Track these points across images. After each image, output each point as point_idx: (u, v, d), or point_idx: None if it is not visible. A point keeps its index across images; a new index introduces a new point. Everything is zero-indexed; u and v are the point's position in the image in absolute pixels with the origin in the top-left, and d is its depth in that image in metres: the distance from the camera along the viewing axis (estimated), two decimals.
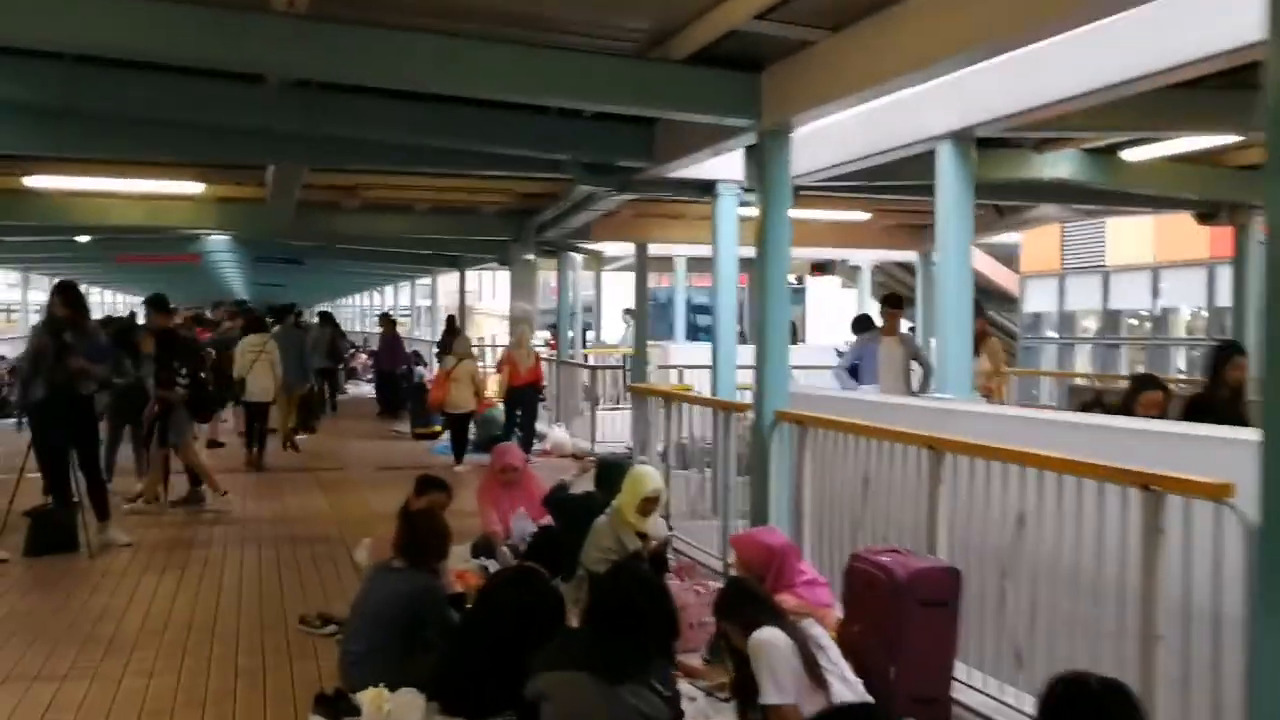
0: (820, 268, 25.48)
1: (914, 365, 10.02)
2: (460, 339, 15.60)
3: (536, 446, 14.95)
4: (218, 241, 23.65)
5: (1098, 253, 21.29)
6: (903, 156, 8.60)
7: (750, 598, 4.71)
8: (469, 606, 5.78)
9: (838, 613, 5.83)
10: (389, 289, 38.01)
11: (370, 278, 35.20)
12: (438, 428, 17.81)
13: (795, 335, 27.23)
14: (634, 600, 4.35)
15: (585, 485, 8.12)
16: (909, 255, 18.80)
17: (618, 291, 33.82)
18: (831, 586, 5.84)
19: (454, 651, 5.29)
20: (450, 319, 21.33)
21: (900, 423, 6.36)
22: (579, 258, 18.68)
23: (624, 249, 18.81)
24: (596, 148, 9.45)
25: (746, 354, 19.25)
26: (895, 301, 10.82)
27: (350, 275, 33.40)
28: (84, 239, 21.29)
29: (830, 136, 8.73)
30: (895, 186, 10.87)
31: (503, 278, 29.55)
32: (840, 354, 11.12)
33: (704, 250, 21.05)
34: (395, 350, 22.22)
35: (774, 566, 5.63)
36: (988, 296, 24.90)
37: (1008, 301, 24.58)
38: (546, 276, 25.47)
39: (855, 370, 10.20)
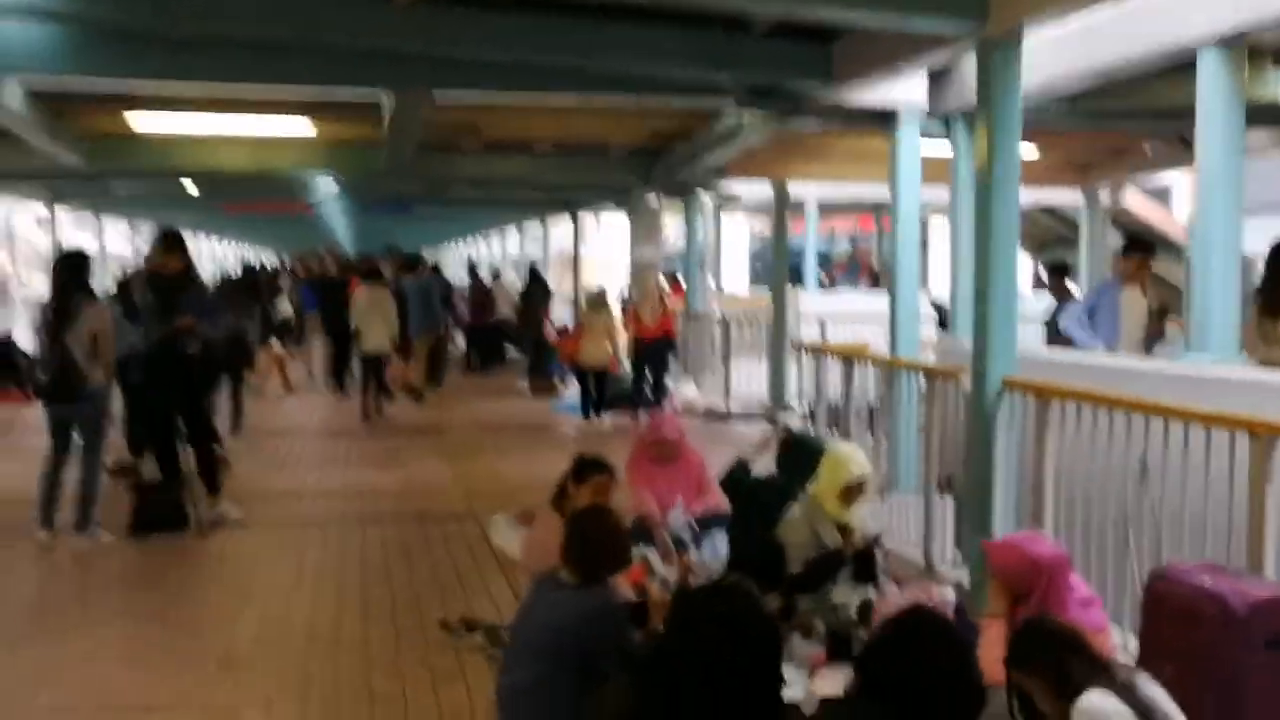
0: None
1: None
2: (597, 291, 14.52)
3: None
4: (326, 189, 22.93)
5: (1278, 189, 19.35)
6: (1132, 74, 7.20)
7: (1064, 643, 3.49)
8: (656, 628, 4.68)
9: (1114, 639, 4.60)
10: (495, 237, 37.10)
11: (478, 224, 34.25)
12: (558, 383, 16.85)
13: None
14: (929, 669, 3.17)
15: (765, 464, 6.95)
16: (1065, 196, 17.19)
17: (735, 237, 32.50)
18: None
19: (643, 690, 4.19)
20: (532, 267, 20.25)
21: (1173, 395, 5.08)
22: (708, 200, 17.37)
23: (745, 189, 17.45)
24: (765, 68, 8.15)
25: (863, 302, 17.99)
26: (1146, 246, 8.97)
27: (457, 222, 32.47)
28: (193, 189, 20.67)
29: (1039, 51, 7.33)
30: (1117, 112, 9.38)
31: (609, 223, 28.32)
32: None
33: (842, 192, 19.82)
34: (486, 303, 21.22)
35: (1042, 584, 4.39)
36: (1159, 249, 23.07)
37: (1169, 247, 22.69)
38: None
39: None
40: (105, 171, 14.60)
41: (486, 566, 7.04)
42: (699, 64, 7.98)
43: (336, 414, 14.59)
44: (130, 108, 11.73)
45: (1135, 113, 10.55)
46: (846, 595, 5.66)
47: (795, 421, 13.80)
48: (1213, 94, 6.16)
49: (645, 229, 18.06)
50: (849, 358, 8.47)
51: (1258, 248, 7.74)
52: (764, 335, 15.99)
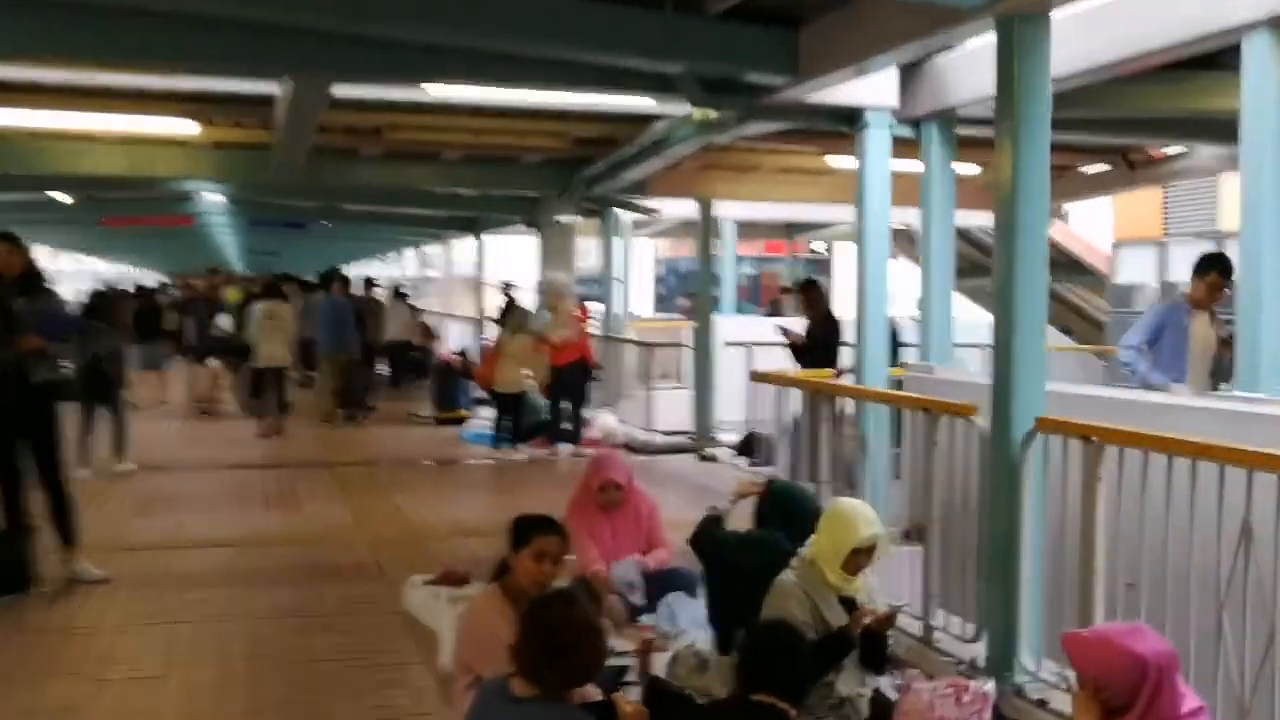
0: None
1: None
2: (517, 310, 13.34)
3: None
4: (213, 202, 21.40)
5: (1208, 216, 19.03)
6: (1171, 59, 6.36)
7: None
8: None
9: None
10: (393, 259, 35.60)
11: (374, 245, 32.75)
12: (464, 411, 15.62)
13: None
14: None
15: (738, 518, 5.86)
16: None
17: (639, 259, 31.42)
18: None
19: None
20: (507, 288, 19.06)
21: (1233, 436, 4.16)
22: (626, 219, 16.33)
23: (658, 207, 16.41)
24: (722, 56, 7.13)
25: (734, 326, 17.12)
26: (1225, 266, 6.91)
27: (353, 242, 30.95)
28: (66, 199, 19.02)
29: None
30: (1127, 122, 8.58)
31: (507, 246, 27.14)
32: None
33: (756, 213, 18.94)
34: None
35: (1147, 690, 3.38)
36: (1057, 267, 22.68)
37: (1081, 273, 22.28)
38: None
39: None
40: None
41: (402, 644, 5.84)
42: (651, 50, 6.93)
43: (222, 441, 13.20)
44: None
45: (1094, 122, 9.84)
46: (853, 686, 4.63)
47: (724, 454, 12.84)
48: (1261, 79, 5.30)
49: (558, 248, 16.96)
50: (818, 390, 7.47)
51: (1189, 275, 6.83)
52: (680, 361, 15.06)
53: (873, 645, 4.64)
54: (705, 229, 13.88)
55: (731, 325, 15.54)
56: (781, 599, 4.69)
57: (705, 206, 13.83)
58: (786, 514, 5.19)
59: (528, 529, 4.28)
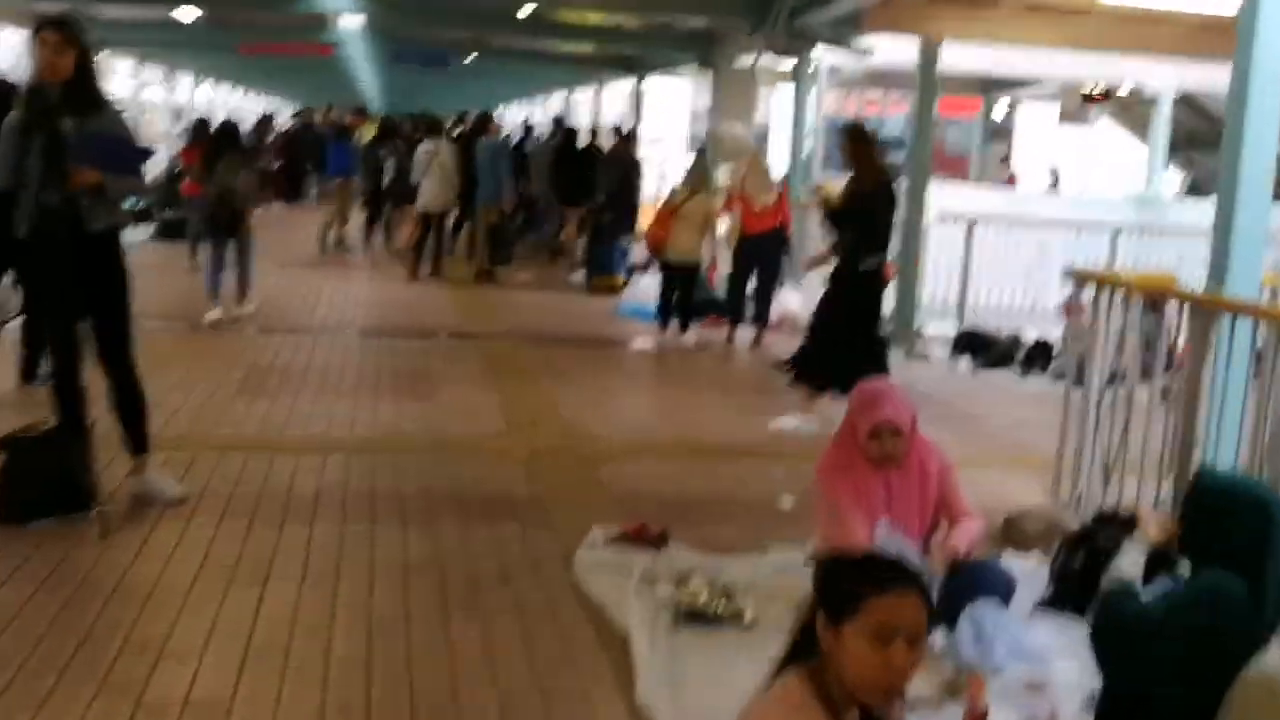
0: (1092, 96, 20.04)
1: None
2: (697, 161, 11.22)
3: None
4: (350, 29, 19.51)
5: None
6: None
7: None
8: None
9: None
10: (539, 103, 33.39)
11: (519, 87, 30.57)
12: (621, 278, 13.69)
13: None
14: None
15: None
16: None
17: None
18: None
19: None
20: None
21: None
22: (820, 61, 13.85)
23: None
24: None
25: (1002, 202, 14.83)
26: None
27: (497, 82, 28.78)
28: (191, 13, 17.31)
29: None
30: None
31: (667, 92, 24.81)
32: None
33: (982, 60, 16.23)
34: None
35: None
36: None
37: None
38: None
39: None
40: None
41: (578, 648, 3.99)
42: None
43: (355, 297, 11.59)
44: None
45: None
46: None
47: (936, 350, 10.69)
48: None
49: (738, 96, 14.68)
50: (1155, 295, 5.29)
51: None
52: None
53: None
54: (928, 77, 11.45)
55: (942, 195, 13.23)
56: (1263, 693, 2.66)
57: (930, 49, 11.40)
58: (1233, 533, 3.09)
59: (859, 585, 2.24)
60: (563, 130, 16.59)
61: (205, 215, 10.18)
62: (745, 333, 10.50)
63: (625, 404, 8.07)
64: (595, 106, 25.64)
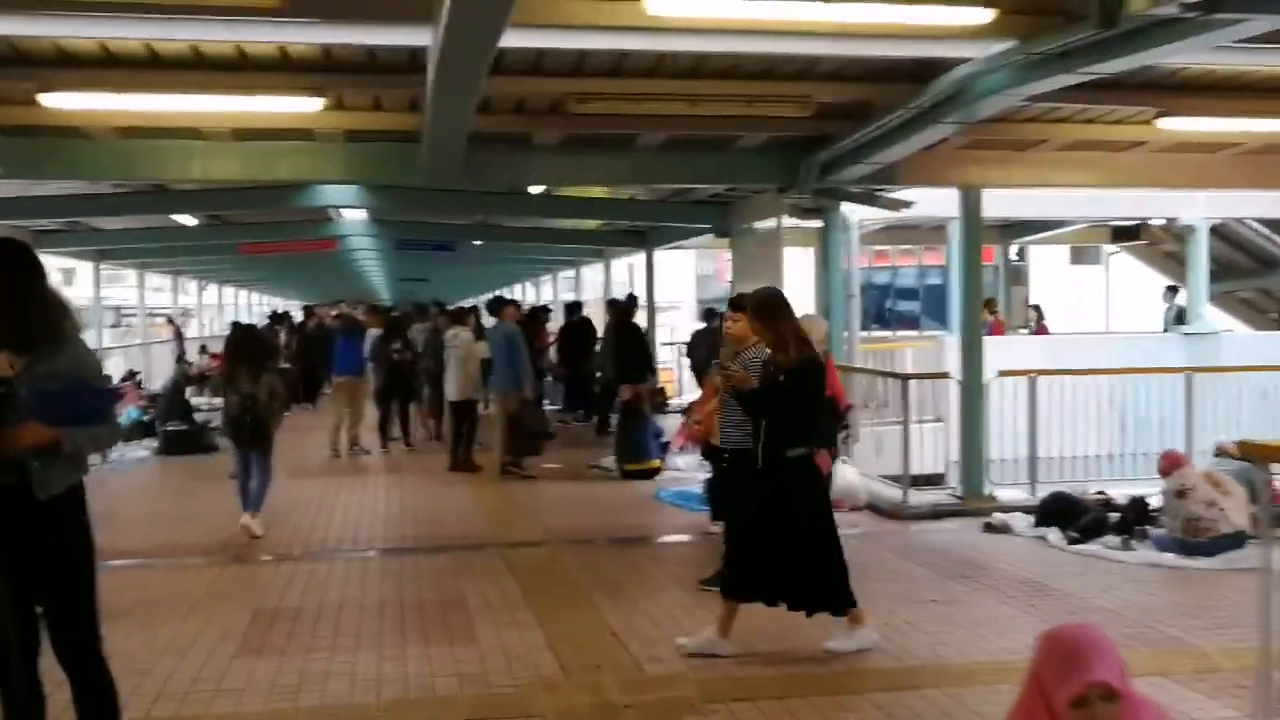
0: (1126, 233, 19.31)
1: None
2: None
3: None
4: (354, 222, 19.08)
5: None
6: None
7: None
8: None
9: None
10: (545, 283, 32.94)
11: (526, 268, 30.07)
12: (657, 461, 12.71)
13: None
14: None
15: None
16: None
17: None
18: None
19: None
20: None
21: None
22: (850, 216, 13.14)
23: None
24: None
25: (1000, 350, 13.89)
26: None
27: (505, 265, 28.28)
28: (189, 220, 16.89)
29: None
30: None
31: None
32: None
33: (1016, 207, 15.63)
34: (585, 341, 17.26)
35: None
36: None
37: None
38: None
39: None
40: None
41: None
42: None
43: (371, 505, 10.59)
44: (45, 88, 7.76)
45: None
46: None
47: (1019, 521, 9.61)
48: None
49: (763, 259, 13.92)
50: None
51: None
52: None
53: None
54: (972, 226, 10.69)
55: (998, 349, 12.38)
56: None
57: (971, 197, 10.67)
58: None
59: None
60: (618, 306, 15.92)
61: (226, 425, 9.76)
62: None
63: (697, 624, 6.97)
64: (605, 280, 25.05)
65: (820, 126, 9.70)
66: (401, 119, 9.06)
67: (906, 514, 10.31)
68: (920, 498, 10.61)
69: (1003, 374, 10.76)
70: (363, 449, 14.63)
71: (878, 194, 11.23)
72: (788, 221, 13.85)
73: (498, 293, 27.88)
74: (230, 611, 7.03)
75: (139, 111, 8.50)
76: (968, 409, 10.63)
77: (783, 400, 6.06)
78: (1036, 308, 18.32)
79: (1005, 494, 10.68)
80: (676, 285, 39.13)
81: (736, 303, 7.03)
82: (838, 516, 6.51)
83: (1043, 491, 10.52)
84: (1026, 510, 9.86)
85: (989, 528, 9.55)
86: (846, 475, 10.58)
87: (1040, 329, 16.55)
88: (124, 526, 9.55)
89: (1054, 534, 9.07)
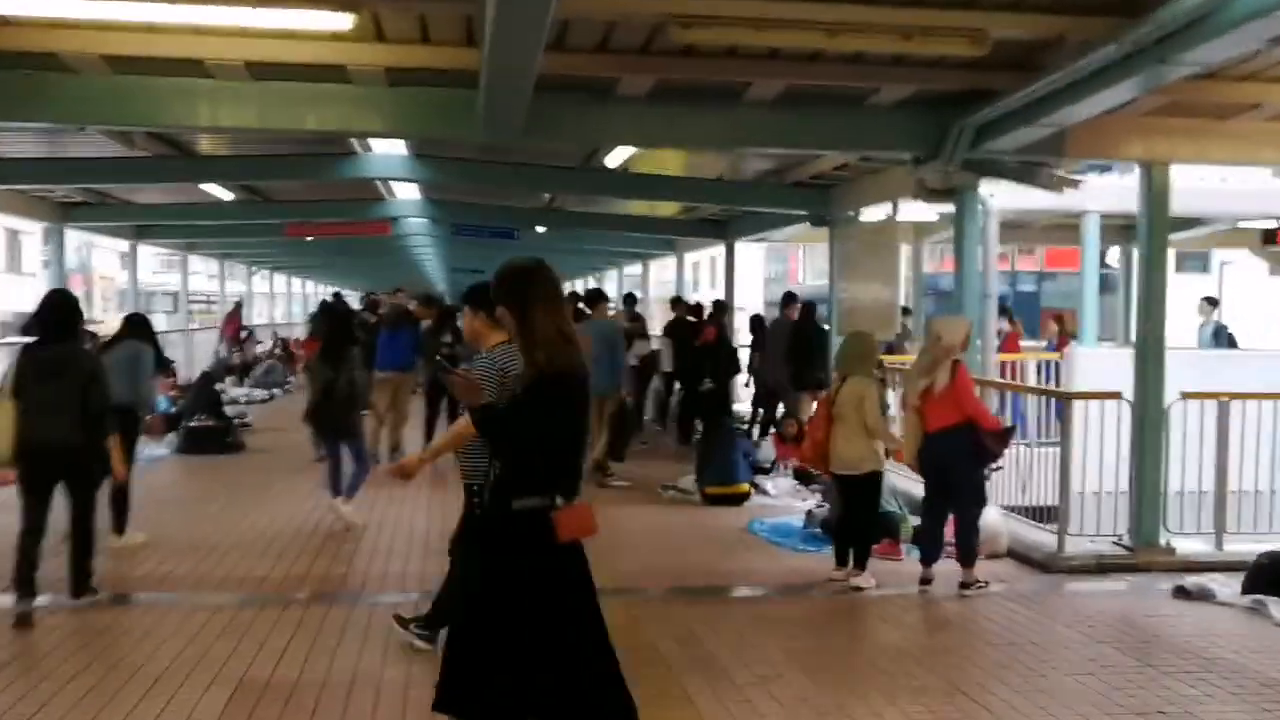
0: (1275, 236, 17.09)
1: None
2: (856, 340, 8.22)
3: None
4: (406, 203, 17.31)
5: None
6: None
7: None
8: None
9: None
10: (608, 277, 30.97)
11: (589, 259, 28.04)
12: (744, 486, 10.77)
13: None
14: None
15: None
16: None
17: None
18: None
19: None
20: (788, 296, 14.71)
21: None
22: (990, 200, 11.08)
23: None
24: None
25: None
26: None
27: (567, 256, 26.26)
28: (224, 194, 15.24)
29: None
30: None
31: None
32: None
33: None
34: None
35: None
36: None
37: None
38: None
39: None
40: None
41: None
42: None
43: (419, 527, 8.79)
44: None
45: None
46: None
47: (1221, 587, 7.56)
48: None
49: (873, 253, 11.92)
50: None
51: None
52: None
53: None
54: (1158, 211, 8.59)
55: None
56: None
57: (1153, 175, 8.59)
58: None
59: None
60: (802, 305, 13.88)
61: (308, 415, 9.72)
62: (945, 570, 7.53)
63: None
64: (678, 276, 23.11)
65: (977, 79, 7.66)
66: (454, 54, 7.18)
67: (1060, 566, 8.31)
68: (1078, 546, 8.56)
69: (1185, 396, 8.65)
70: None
71: (1032, 170, 9.12)
72: (905, 210, 11.91)
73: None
74: (199, 685, 5.18)
75: (125, 24, 6.67)
76: (1141, 439, 8.56)
77: (512, 425, 3.97)
78: (1059, 318, 15.97)
79: (1185, 545, 8.62)
80: (741, 286, 36.94)
81: (470, 294, 5.42)
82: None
83: (1234, 544, 8.53)
84: (1214, 567, 7.95)
85: (1181, 592, 7.49)
86: (988, 514, 8.55)
87: (1062, 341, 14.27)
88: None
89: (1277, 606, 7.02)
